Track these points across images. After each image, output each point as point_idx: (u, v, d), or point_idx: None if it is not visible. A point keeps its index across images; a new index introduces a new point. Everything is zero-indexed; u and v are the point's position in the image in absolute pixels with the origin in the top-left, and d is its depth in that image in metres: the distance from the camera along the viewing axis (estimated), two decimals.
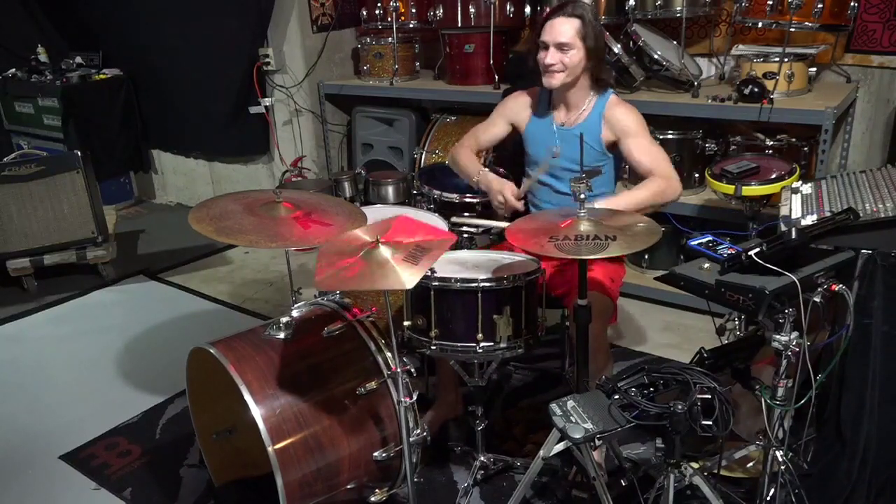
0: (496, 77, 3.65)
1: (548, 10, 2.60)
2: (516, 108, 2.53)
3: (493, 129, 2.58)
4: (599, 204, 2.16)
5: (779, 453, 1.78)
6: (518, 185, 2.46)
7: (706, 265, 1.69)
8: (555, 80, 2.29)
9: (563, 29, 2.24)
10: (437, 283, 1.95)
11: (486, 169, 2.53)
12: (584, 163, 1.95)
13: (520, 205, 2.41)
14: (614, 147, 2.37)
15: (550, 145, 2.37)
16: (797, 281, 1.56)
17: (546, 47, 2.27)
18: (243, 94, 4.32)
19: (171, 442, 2.56)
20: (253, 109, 4.31)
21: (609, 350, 2.34)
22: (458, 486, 2.24)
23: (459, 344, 1.98)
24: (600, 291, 2.20)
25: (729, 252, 1.67)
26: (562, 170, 2.40)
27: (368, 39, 4.05)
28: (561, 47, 2.24)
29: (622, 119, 2.32)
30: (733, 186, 2.56)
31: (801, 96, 3.01)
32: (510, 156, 2.76)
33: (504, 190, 2.39)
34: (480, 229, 2.51)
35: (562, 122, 2.41)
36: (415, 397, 1.86)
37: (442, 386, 2.50)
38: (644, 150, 2.31)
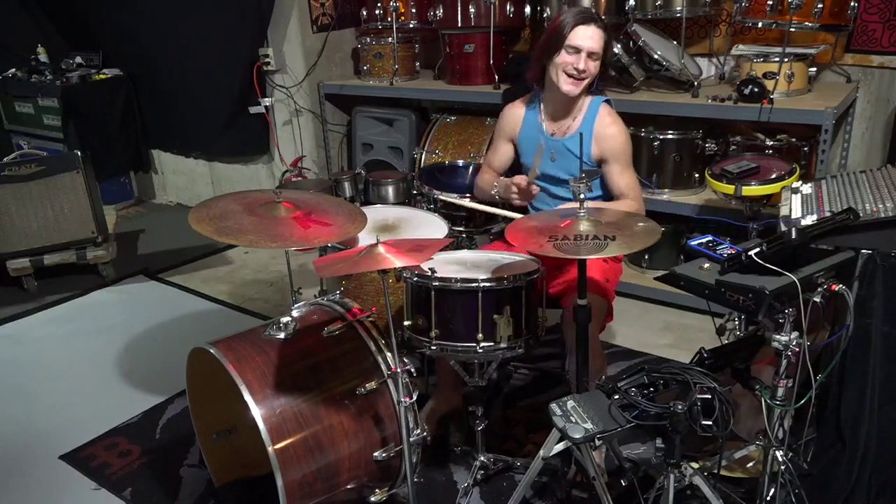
0: (496, 77, 3.65)
1: (565, 9, 2.62)
2: (510, 123, 2.54)
3: (499, 152, 2.59)
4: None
5: (779, 453, 1.78)
6: None
7: (706, 265, 1.69)
8: (577, 89, 2.28)
9: (597, 38, 2.24)
10: (437, 283, 1.95)
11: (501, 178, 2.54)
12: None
13: (535, 188, 2.39)
14: (601, 163, 2.39)
15: (538, 146, 2.38)
16: (797, 281, 1.56)
17: (575, 52, 2.24)
18: (243, 94, 4.32)
19: (171, 442, 2.56)
20: (253, 109, 4.31)
21: (602, 351, 2.34)
22: (458, 486, 2.24)
23: (459, 344, 1.98)
24: (596, 291, 2.20)
25: (729, 252, 1.67)
26: (557, 179, 2.41)
27: (368, 39, 4.05)
28: (591, 55, 2.24)
29: (613, 141, 2.34)
30: (733, 186, 2.56)
31: (801, 96, 3.01)
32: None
33: (514, 179, 2.40)
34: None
35: (552, 132, 2.42)
36: (415, 397, 1.87)
37: (440, 379, 2.50)
38: (625, 174, 2.36)
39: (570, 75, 2.26)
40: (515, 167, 2.60)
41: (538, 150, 2.35)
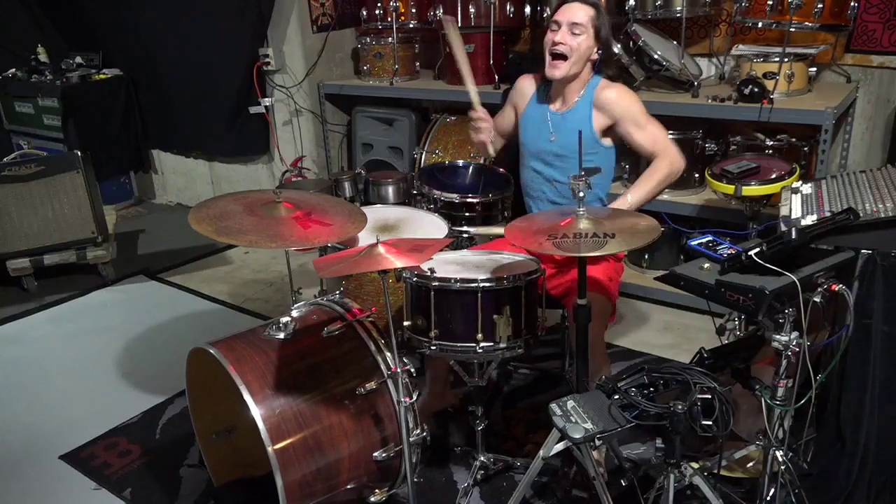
0: (496, 77, 3.65)
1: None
2: (519, 92, 2.55)
3: (504, 116, 2.62)
4: (615, 205, 2.23)
5: (779, 453, 1.78)
6: (517, 186, 2.57)
7: (706, 265, 1.69)
8: (558, 72, 2.27)
9: (579, 12, 2.25)
10: (436, 284, 1.95)
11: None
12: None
13: (483, 115, 2.50)
14: (608, 132, 2.37)
15: (545, 135, 2.41)
16: (797, 281, 1.56)
17: (556, 28, 2.26)
18: (243, 94, 4.32)
19: (171, 442, 2.56)
20: (253, 109, 4.31)
21: (605, 352, 2.34)
22: (458, 486, 2.24)
23: (459, 344, 1.98)
24: (599, 291, 2.20)
25: (729, 252, 1.67)
26: (554, 156, 2.40)
27: (368, 39, 4.05)
28: (573, 28, 2.24)
29: (614, 103, 2.31)
30: (733, 186, 2.57)
31: (801, 96, 3.01)
32: (513, 154, 2.76)
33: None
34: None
35: (555, 108, 2.43)
36: (415, 397, 1.87)
37: (430, 378, 2.50)
38: (642, 131, 2.32)
39: (551, 54, 2.27)
40: (516, 145, 2.61)
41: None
